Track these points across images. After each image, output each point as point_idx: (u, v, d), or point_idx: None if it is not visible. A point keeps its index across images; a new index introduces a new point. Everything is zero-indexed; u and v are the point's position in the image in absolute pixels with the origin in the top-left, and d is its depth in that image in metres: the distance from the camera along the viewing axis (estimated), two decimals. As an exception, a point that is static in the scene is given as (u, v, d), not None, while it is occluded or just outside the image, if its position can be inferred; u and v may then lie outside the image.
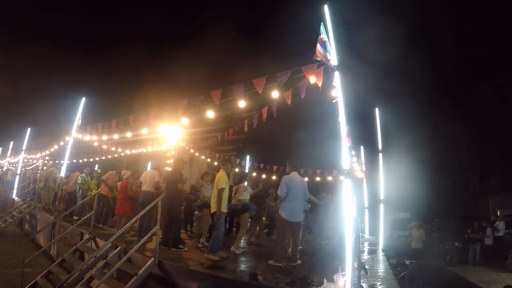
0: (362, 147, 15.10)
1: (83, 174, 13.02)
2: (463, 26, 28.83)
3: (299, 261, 6.90)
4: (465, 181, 28.43)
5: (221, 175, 7.38)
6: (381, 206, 11.86)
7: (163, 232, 7.94)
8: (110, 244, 7.13)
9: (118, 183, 10.96)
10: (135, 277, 5.81)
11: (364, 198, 14.71)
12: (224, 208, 7.21)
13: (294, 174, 7.07)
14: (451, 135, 27.94)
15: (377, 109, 12.19)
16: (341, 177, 5.28)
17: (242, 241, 8.82)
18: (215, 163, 15.50)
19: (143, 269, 5.98)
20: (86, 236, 8.50)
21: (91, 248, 8.06)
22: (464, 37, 29.12)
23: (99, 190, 10.60)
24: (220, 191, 7.15)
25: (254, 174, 17.13)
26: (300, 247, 7.89)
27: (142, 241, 6.70)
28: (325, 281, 4.80)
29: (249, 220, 9.54)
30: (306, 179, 13.67)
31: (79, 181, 12.71)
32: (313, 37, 5.38)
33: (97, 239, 8.19)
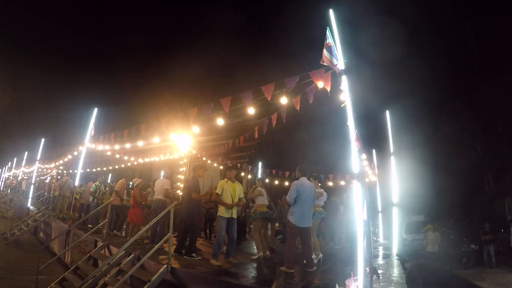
0: (374, 150, 15.00)
1: (97, 182, 13.17)
2: (472, 23, 28.46)
3: (314, 267, 6.87)
4: (479, 182, 28.01)
5: (221, 181, 7.67)
6: (394, 210, 11.74)
7: (178, 239, 8.03)
8: (123, 251, 7.20)
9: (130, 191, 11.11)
10: (148, 283, 5.85)
11: (377, 201, 14.60)
12: (223, 213, 7.33)
13: (304, 179, 7.05)
14: (464, 135, 27.60)
15: (387, 112, 12.12)
16: (353, 181, 5.26)
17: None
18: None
19: (156, 276, 6.02)
20: (99, 244, 8.58)
21: (105, 255, 8.13)
22: (474, 34, 28.75)
23: (111, 199, 10.72)
24: (214, 195, 7.45)
25: (267, 180, 17.10)
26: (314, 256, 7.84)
27: (155, 248, 6.74)
28: (337, 286, 4.79)
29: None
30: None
31: (92, 189, 12.86)
32: (319, 39, 5.40)
33: (110, 246, 8.26)
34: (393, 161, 11.82)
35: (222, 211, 7.34)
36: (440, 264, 12.77)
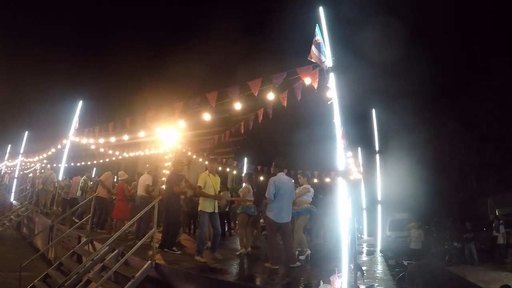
0: (359, 148, 15.09)
1: (84, 177, 12.99)
2: (461, 26, 28.92)
3: (298, 263, 6.86)
4: (463, 181, 28.47)
5: (203, 174, 7.50)
6: (379, 207, 11.83)
7: (162, 235, 7.98)
8: (107, 247, 7.12)
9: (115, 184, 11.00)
10: (132, 280, 5.80)
11: (362, 199, 14.69)
12: (206, 207, 7.22)
13: (281, 175, 7.03)
14: (448, 135, 27.98)
15: (373, 110, 12.17)
16: (338, 178, 5.28)
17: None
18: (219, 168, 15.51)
19: (140, 272, 5.97)
20: (83, 240, 8.48)
21: (89, 251, 8.04)
22: (461, 37, 29.20)
23: (97, 192, 10.57)
24: (197, 188, 7.29)
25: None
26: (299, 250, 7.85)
27: (139, 244, 6.66)
28: (321, 282, 4.80)
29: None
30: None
31: (81, 184, 12.66)
32: (309, 38, 5.39)
33: (94, 242, 8.17)
34: (378, 159, 11.89)
35: (204, 206, 7.22)
36: (439, 262, 12.96)
